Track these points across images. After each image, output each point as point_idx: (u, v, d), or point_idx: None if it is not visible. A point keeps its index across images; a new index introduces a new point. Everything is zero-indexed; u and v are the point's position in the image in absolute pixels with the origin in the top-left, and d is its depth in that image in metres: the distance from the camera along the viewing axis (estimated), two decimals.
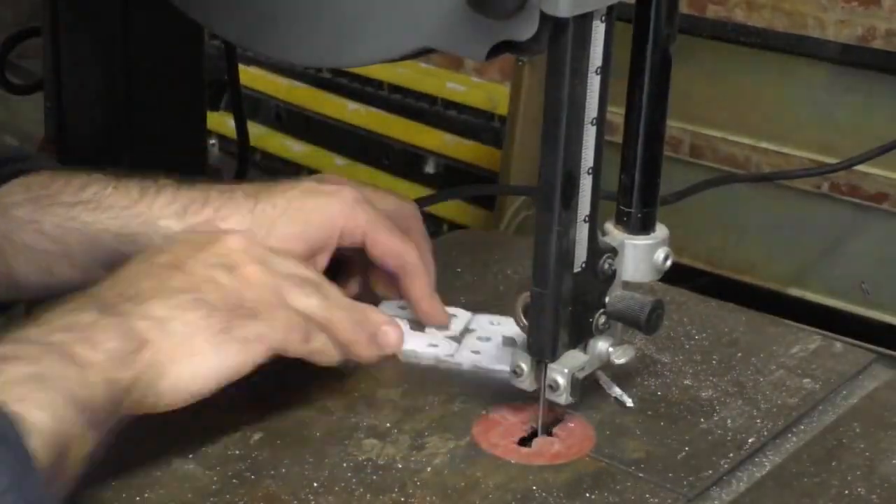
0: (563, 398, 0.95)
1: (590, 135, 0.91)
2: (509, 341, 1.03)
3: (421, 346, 1.07)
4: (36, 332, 0.82)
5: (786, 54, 2.06)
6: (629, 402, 1.02)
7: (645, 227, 0.98)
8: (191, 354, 0.87)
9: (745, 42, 2.09)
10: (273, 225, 1.02)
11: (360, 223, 1.04)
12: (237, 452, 0.94)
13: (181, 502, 0.89)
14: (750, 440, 0.98)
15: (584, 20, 0.87)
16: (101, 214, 1.03)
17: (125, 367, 0.83)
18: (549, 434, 0.97)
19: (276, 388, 1.00)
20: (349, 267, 1.11)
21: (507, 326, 1.06)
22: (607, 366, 0.99)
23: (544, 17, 0.83)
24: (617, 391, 1.02)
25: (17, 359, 0.79)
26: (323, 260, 1.05)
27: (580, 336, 0.96)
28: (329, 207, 1.04)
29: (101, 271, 1.02)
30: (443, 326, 1.08)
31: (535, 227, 0.92)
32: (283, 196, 1.04)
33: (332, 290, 0.98)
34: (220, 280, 0.91)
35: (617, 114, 0.96)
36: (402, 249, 1.06)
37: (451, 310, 1.10)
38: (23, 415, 0.75)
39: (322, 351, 0.95)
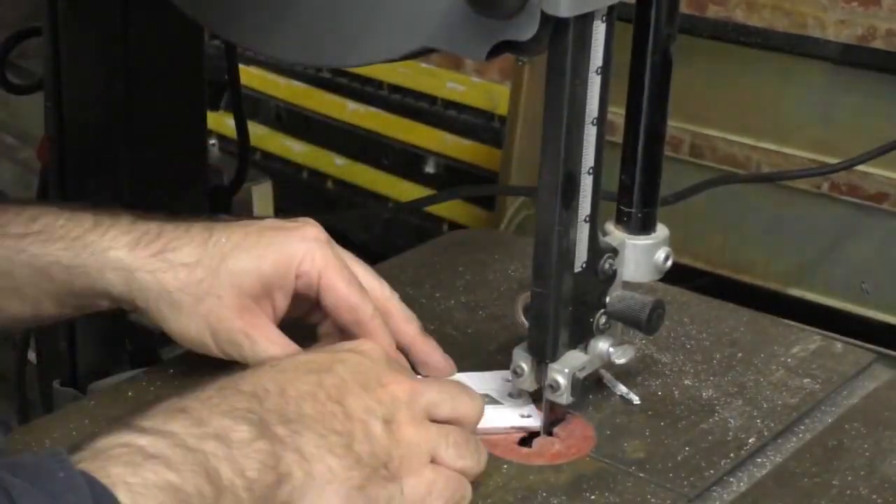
0: (563, 398, 0.95)
1: (590, 135, 0.91)
2: (487, 399, 0.99)
3: None
4: (186, 432, 0.79)
5: (786, 54, 2.06)
6: (636, 400, 1.01)
7: (645, 227, 0.98)
8: (319, 502, 0.83)
9: (745, 42, 2.09)
10: (224, 258, 0.97)
11: (316, 263, 0.97)
12: None
13: None
14: (750, 440, 0.98)
15: (585, 20, 0.87)
16: (52, 246, 0.98)
17: (260, 500, 0.80)
18: (550, 434, 0.97)
19: None
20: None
21: (474, 382, 1.00)
22: (608, 366, 0.99)
23: (545, 18, 0.83)
24: (622, 389, 1.02)
25: (160, 460, 0.76)
26: (281, 301, 0.99)
27: (581, 336, 0.96)
28: (287, 244, 0.98)
29: (52, 305, 1.00)
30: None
31: (536, 226, 0.92)
32: (241, 230, 0.99)
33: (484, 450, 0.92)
34: (374, 431, 0.86)
35: (617, 114, 0.96)
36: (357, 303, 0.98)
37: None
38: None
39: None
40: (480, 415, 0.93)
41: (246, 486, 0.78)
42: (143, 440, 0.77)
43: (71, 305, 1.01)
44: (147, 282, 0.97)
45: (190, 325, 0.97)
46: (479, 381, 1.02)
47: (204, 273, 0.97)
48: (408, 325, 1.02)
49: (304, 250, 0.98)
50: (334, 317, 0.99)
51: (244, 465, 0.79)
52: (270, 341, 0.97)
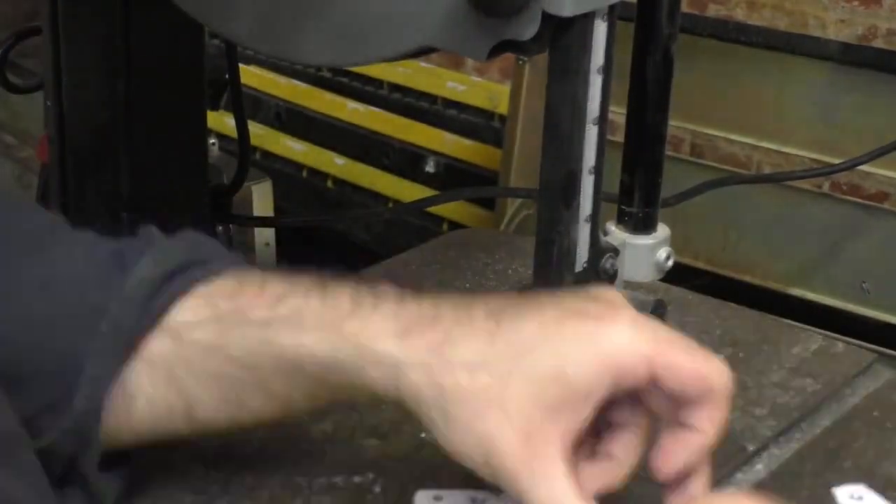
0: None
1: (591, 134, 0.91)
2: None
3: None
4: None
5: (786, 54, 2.06)
6: None
7: (646, 227, 0.98)
8: None
9: (745, 41, 2.09)
10: (518, 359, 0.77)
11: (643, 353, 0.77)
12: (238, 452, 0.94)
13: (182, 502, 0.89)
14: (751, 440, 0.98)
15: (587, 19, 0.87)
16: (304, 336, 0.81)
17: None
18: None
19: None
20: None
21: None
22: None
23: (546, 17, 0.83)
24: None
25: None
26: (584, 414, 0.77)
27: None
28: (598, 338, 0.78)
29: (303, 399, 0.84)
30: None
31: (537, 226, 0.92)
32: (536, 319, 0.79)
33: None
34: None
35: (618, 113, 0.95)
36: (708, 370, 0.78)
37: None
38: None
39: None
40: None
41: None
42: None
43: (325, 399, 0.85)
44: (419, 383, 0.79)
45: (464, 442, 0.78)
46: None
47: (490, 378, 0.77)
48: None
49: (626, 343, 0.78)
50: (679, 395, 0.79)
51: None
52: (555, 481, 0.77)
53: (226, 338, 0.83)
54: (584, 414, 0.77)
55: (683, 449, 0.80)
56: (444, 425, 0.79)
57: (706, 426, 0.79)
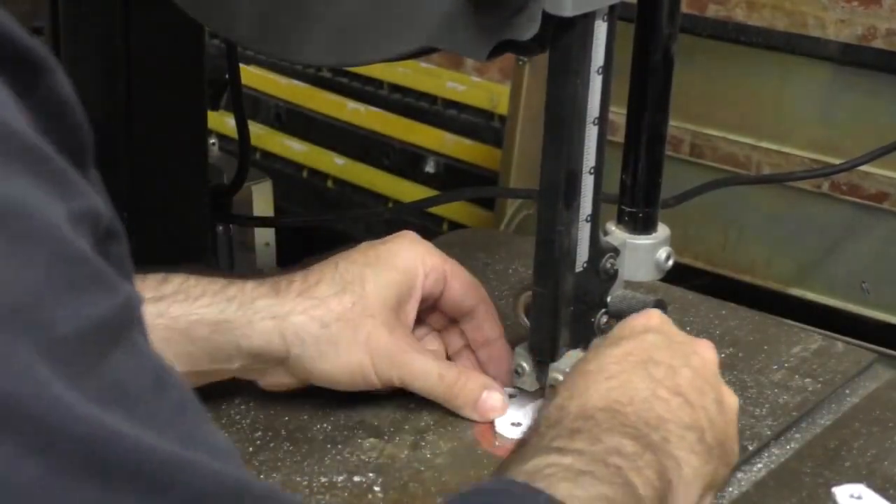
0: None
1: (591, 134, 0.91)
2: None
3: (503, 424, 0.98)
4: (592, 449, 0.78)
5: (786, 54, 2.06)
6: None
7: (647, 227, 0.98)
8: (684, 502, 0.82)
9: (745, 41, 2.08)
10: (364, 279, 0.96)
11: (438, 260, 1.00)
12: (237, 452, 0.94)
13: None
14: (751, 440, 0.98)
15: (587, 20, 0.87)
16: (193, 304, 0.93)
17: None
18: None
19: None
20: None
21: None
22: None
23: (546, 17, 0.83)
24: None
25: (590, 474, 0.76)
26: (412, 310, 1.00)
27: (582, 335, 0.96)
28: (406, 249, 1.00)
29: (198, 367, 0.94)
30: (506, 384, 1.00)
31: (537, 226, 0.92)
32: (358, 251, 1.00)
33: None
34: (714, 417, 0.86)
35: (619, 113, 0.96)
36: (478, 284, 1.02)
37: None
38: None
39: None
40: None
41: (655, 495, 0.78)
42: (566, 459, 0.76)
43: (203, 371, 0.95)
44: (302, 323, 0.94)
45: (351, 356, 0.95)
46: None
47: (353, 297, 0.96)
48: None
49: (423, 250, 1.01)
50: (458, 306, 1.01)
51: (647, 476, 0.78)
52: (424, 354, 0.98)
53: None
54: (411, 311, 0.99)
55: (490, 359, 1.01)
56: (330, 351, 0.94)
57: (494, 331, 1.00)
